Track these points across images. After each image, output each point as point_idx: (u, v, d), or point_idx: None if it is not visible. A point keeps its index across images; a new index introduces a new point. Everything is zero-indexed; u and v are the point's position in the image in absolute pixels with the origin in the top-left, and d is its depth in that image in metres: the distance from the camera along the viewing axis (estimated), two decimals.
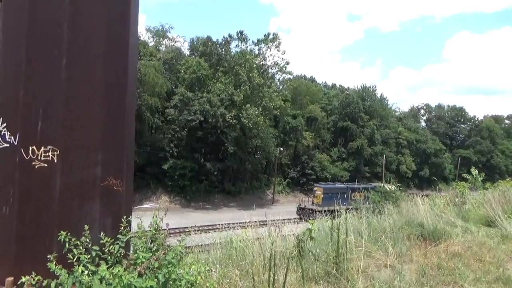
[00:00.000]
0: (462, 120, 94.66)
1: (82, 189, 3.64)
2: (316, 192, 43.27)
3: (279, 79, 58.35)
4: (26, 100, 3.39)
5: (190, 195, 45.76)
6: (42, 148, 3.44)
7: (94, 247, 3.37)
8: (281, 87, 58.85)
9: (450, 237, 7.01)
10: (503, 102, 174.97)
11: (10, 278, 3.38)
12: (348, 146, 64.54)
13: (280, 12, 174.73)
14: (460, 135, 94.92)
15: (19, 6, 3.50)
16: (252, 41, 50.75)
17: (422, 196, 9.67)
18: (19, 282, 3.22)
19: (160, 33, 51.23)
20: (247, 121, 43.60)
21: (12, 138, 3.44)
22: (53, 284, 3.16)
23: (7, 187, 3.48)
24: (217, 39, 50.43)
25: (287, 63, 52.25)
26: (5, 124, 3.46)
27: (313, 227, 5.68)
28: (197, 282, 3.32)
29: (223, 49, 50.05)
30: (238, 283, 4.29)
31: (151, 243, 3.54)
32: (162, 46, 51.60)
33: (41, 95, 3.40)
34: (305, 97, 62.04)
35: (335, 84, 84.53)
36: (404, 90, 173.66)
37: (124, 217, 3.70)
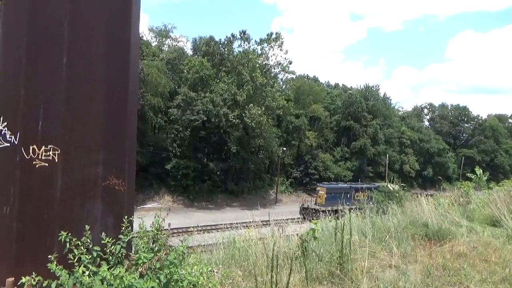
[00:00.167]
0: (465, 119, 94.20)
1: (83, 188, 3.60)
2: (319, 192, 43.14)
3: (282, 79, 58.30)
4: (26, 99, 3.36)
5: (193, 195, 45.77)
6: (43, 148, 3.41)
7: (95, 248, 3.33)
8: (284, 86, 58.80)
9: (455, 237, 6.95)
10: (507, 101, 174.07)
11: (11, 279, 3.35)
12: (351, 146, 64.36)
13: (283, 12, 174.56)
14: (464, 135, 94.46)
15: (19, 5, 3.47)
16: (255, 41, 50.72)
17: (426, 196, 9.61)
18: (19, 283, 3.19)
19: (162, 33, 51.25)
20: (250, 121, 43.55)
21: (13, 137, 3.41)
22: (53, 285, 3.12)
23: (7, 186, 3.45)
24: (220, 39, 50.45)
25: (290, 62, 52.18)
26: (5, 123, 3.43)
27: (316, 227, 5.64)
28: (199, 282, 3.28)
29: (226, 49, 50.02)
30: (241, 284, 4.25)
31: (153, 243, 3.50)
32: (165, 46, 51.63)
33: (42, 94, 3.37)
34: (308, 97, 61.91)
35: (338, 83, 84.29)
36: (407, 90, 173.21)
37: (126, 217, 3.66)
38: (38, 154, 3.41)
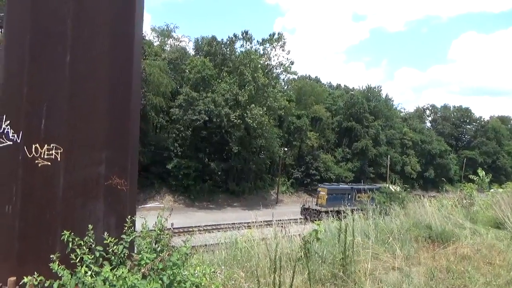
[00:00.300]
0: (468, 120, 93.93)
1: (85, 188, 3.57)
2: (320, 192, 43.11)
3: (283, 79, 58.28)
4: (29, 97, 3.33)
5: (194, 195, 45.78)
6: (46, 146, 3.38)
7: (97, 247, 3.30)
8: (285, 87, 58.77)
9: (459, 239, 6.90)
10: (510, 103, 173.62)
11: (13, 278, 3.32)
12: (353, 147, 64.27)
13: (285, 12, 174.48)
14: (466, 136, 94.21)
15: (23, 2, 3.44)
16: (257, 41, 50.71)
17: (429, 198, 9.56)
18: (21, 283, 3.16)
19: (165, 33, 51.29)
20: (251, 121, 43.54)
21: (16, 135, 3.38)
22: (55, 285, 3.09)
23: (10, 185, 3.42)
24: (222, 39, 50.44)
25: (292, 63, 52.13)
26: (8, 122, 3.40)
27: (319, 228, 5.60)
28: (202, 284, 3.25)
29: (228, 49, 50.00)
30: (244, 285, 4.22)
31: (155, 244, 3.47)
32: (167, 45, 51.66)
33: (45, 93, 3.34)
34: (310, 97, 61.85)
35: (340, 84, 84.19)
36: (409, 91, 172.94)
37: (129, 216, 3.63)
38: (41, 152, 3.38)
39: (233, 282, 4.23)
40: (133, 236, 3.50)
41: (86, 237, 3.29)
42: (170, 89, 44.16)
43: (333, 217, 9.91)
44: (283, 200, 53.76)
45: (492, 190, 13.70)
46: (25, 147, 3.38)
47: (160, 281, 2.97)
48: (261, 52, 50.47)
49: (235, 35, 49.86)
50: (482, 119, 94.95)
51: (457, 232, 7.14)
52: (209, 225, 29.70)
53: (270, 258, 4.58)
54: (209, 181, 46.60)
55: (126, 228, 3.52)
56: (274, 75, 52.09)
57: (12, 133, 3.39)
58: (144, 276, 3.00)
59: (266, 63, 50.67)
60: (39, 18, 3.33)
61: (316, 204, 42.00)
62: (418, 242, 6.70)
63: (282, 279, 4.23)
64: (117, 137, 3.75)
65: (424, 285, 5.02)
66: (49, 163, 3.41)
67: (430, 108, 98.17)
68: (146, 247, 3.30)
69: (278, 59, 51.52)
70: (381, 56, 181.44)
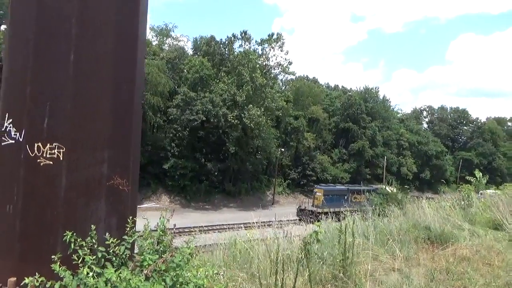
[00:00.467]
0: (464, 122, 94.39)
1: (87, 187, 3.55)
2: (317, 193, 43.12)
3: (281, 80, 58.32)
4: (32, 96, 3.30)
5: (190, 195, 45.71)
6: (48, 145, 3.36)
7: (100, 248, 3.28)
8: (283, 87, 58.78)
9: (458, 240, 6.92)
10: (507, 105, 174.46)
11: (13, 279, 3.29)
12: (349, 148, 64.42)
13: (283, 13, 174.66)
14: (462, 137, 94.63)
15: (27, 0, 3.42)
16: (256, 41, 50.70)
17: (427, 199, 9.59)
18: (22, 283, 3.14)
19: (163, 32, 51.18)
20: (249, 122, 43.53)
21: (18, 134, 3.35)
22: (57, 286, 3.07)
23: (11, 184, 3.40)
24: (221, 39, 50.46)
25: (290, 63, 52.16)
26: (11, 120, 3.37)
27: (319, 229, 5.59)
28: (205, 285, 3.23)
29: (226, 49, 49.98)
30: (245, 287, 4.20)
31: (157, 245, 3.45)
32: (166, 45, 51.56)
33: (48, 91, 3.32)
34: (307, 98, 61.95)
35: (337, 85, 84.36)
36: (407, 92, 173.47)
37: (131, 217, 3.61)
38: (43, 151, 3.36)
39: (233, 283, 4.22)
40: (135, 237, 3.49)
41: (88, 238, 3.27)
42: (168, 88, 44.08)
43: (331, 218, 9.93)
44: (279, 201, 53.76)
45: (490, 191, 13.74)
46: (27, 146, 3.35)
47: (163, 283, 2.95)
48: (260, 52, 50.51)
49: (233, 35, 49.89)
50: (478, 121, 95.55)
51: (456, 234, 7.16)
52: (206, 226, 29.64)
53: (271, 260, 4.57)
54: (206, 181, 46.52)
55: (128, 228, 3.49)
56: (272, 75, 52.10)
57: (15, 131, 3.36)
58: (147, 278, 2.98)
59: (264, 63, 50.69)
60: (44, 17, 3.31)
61: (312, 205, 42.04)
62: (417, 243, 6.72)
63: (283, 280, 4.22)
64: (120, 137, 3.74)
65: (424, 286, 5.03)
66: (51, 163, 3.38)
67: (427, 109, 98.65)
68: (148, 248, 3.27)
69: (276, 59, 51.60)
70: (379, 57, 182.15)
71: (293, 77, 58.48)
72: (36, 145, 3.35)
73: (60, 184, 3.44)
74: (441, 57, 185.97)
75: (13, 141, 3.36)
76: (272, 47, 50.40)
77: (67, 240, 3.18)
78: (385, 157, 66.28)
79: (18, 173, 3.37)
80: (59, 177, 3.43)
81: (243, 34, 49.89)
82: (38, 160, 3.36)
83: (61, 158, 3.40)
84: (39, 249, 3.36)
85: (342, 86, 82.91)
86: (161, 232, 3.44)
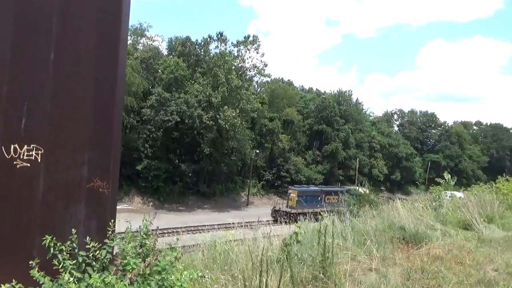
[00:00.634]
0: (433, 125, 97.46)
1: (67, 190, 3.46)
2: (291, 194, 43.58)
3: (257, 82, 58.52)
4: (9, 95, 3.16)
5: (164, 197, 45.16)
6: (25, 147, 3.24)
7: (80, 253, 3.19)
8: (258, 89, 58.99)
9: (431, 240, 7.13)
10: (472, 109, 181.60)
11: None
12: (323, 149, 65.30)
13: (259, 15, 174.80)
14: (431, 140, 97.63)
15: None
16: (232, 43, 50.69)
17: (401, 200, 9.84)
18: None
19: (138, 32, 50.30)
20: (224, 123, 43.46)
21: None
22: None
23: None
24: (196, 40, 50.18)
25: (266, 65, 52.46)
26: None
27: (299, 230, 5.64)
28: None
29: (202, 50, 49.71)
30: None
31: (140, 248, 3.38)
32: (140, 45, 50.73)
33: (27, 91, 3.19)
34: (282, 100, 62.40)
35: (312, 88, 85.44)
36: (379, 96, 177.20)
37: (112, 221, 3.53)
38: (20, 153, 3.23)
39: (216, 285, 4.19)
40: (117, 241, 3.41)
41: (69, 242, 3.17)
42: (142, 89, 43.44)
43: (307, 219, 10.03)
44: (253, 202, 53.88)
45: (458, 194, 14.24)
46: (2, 148, 3.21)
47: (148, 287, 2.90)
48: (235, 54, 50.51)
49: (209, 36, 49.70)
50: (446, 124, 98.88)
51: (429, 234, 7.38)
52: (179, 227, 29.30)
53: (253, 262, 4.57)
54: (180, 182, 46.08)
55: (110, 232, 3.42)
56: (248, 77, 52.23)
57: None
58: (131, 282, 2.92)
59: (240, 65, 50.72)
60: (23, 13, 3.19)
61: (287, 206, 42.42)
62: (393, 243, 6.88)
63: (265, 281, 4.23)
64: (101, 138, 3.65)
65: (401, 285, 5.15)
66: (29, 165, 3.27)
67: (398, 113, 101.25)
68: (131, 252, 3.21)
69: (252, 61, 51.75)
70: (352, 61, 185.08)
71: (269, 79, 58.91)
72: (12, 146, 3.22)
73: (38, 186, 3.33)
74: (412, 62, 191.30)
75: None
76: (248, 49, 50.53)
77: (47, 244, 3.07)
78: (358, 159, 67.59)
79: None
80: (36, 179, 3.32)
81: (219, 36, 49.79)
82: (15, 162, 3.23)
83: (39, 160, 3.29)
84: (16, 254, 3.24)
85: (316, 89, 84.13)
86: (144, 235, 3.38)
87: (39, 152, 3.28)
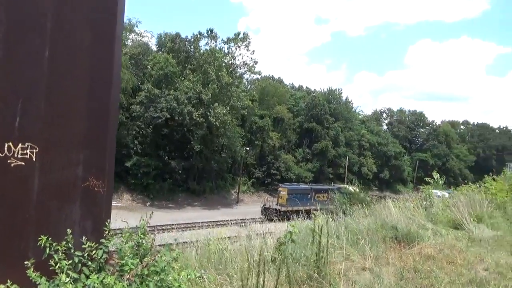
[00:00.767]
0: (421, 124, 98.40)
1: (62, 190, 3.40)
2: (281, 192, 43.65)
3: (247, 79, 58.38)
4: (3, 93, 3.09)
5: (153, 194, 44.86)
6: (20, 145, 3.17)
7: (76, 253, 3.14)
8: (249, 87, 58.88)
9: (423, 239, 7.20)
10: (459, 108, 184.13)
11: None
12: (313, 147, 65.51)
13: (249, 12, 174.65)
14: (419, 139, 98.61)
15: None
16: (222, 40, 50.46)
17: (391, 199, 9.92)
18: None
19: (127, 27, 49.71)
20: (214, 120, 43.30)
21: None
22: None
23: None
24: (186, 36, 49.81)
25: (256, 62, 52.32)
26: None
27: (294, 229, 5.64)
28: None
29: (192, 47, 49.40)
30: None
31: (137, 248, 3.34)
32: (129, 40, 50.17)
33: (21, 89, 3.12)
34: (273, 98, 62.38)
35: (302, 85, 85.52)
36: (367, 94, 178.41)
37: (108, 220, 3.48)
38: (14, 152, 3.17)
39: (214, 286, 4.17)
40: (113, 241, 3.37)
41: (64, 242, 3.12)
42: (131, 85, 43.03)
43: (296, 216, 10.05)
44: (243, 200, 53.86)
45: (446, 194, 14.41)
46: None
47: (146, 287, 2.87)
48: (226, 51, 50.29)
49: (200, 33, 49.39)
50: (434, 123, 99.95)
51: (421, 233, 7.45)
52: (169, 224, 29.18)
53: (249, 262, 4.56)
54: (169, 179, 45.82)
55: (106, 232, 3.37)
56: (238, 74, 52.06)
57: None
58: (129, 283, 2.88)
59: (230, 62, 50.54)
60: (16, 8, 3.11)
61: (277, 204, 42.48)
62: (385, 243, 6.92)
63: (260, 281, 4.22)
64: (96, 136, 3.60)
65: (394, 285, 5.18)
66: (23, 163, 3.20)
67: (387, 112, 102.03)
68: (129, 252, 3.16)
69: (242, 58, 51.58)
70: (341, 59, 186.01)
71: (259, 76, 58.70)
72: (6, 145, 3.15)
73: (33, 186, 3.27)
74: (400, 61, 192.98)
75: None
76: (238, 46, 50.35)
77: (42, 244, 3.02)
78: (347, 157, 67.98)
79: None
80: (31, 179, 3.26)
81: (209, 32, 49.53)
82: (9, 161, 3.16)
83: (34, 159, 3.23)
84: (10, 255, 3.17)
85: (306, 87, 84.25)
86: (141, 235, 3.34)
87: (34, 150, 3.22)
